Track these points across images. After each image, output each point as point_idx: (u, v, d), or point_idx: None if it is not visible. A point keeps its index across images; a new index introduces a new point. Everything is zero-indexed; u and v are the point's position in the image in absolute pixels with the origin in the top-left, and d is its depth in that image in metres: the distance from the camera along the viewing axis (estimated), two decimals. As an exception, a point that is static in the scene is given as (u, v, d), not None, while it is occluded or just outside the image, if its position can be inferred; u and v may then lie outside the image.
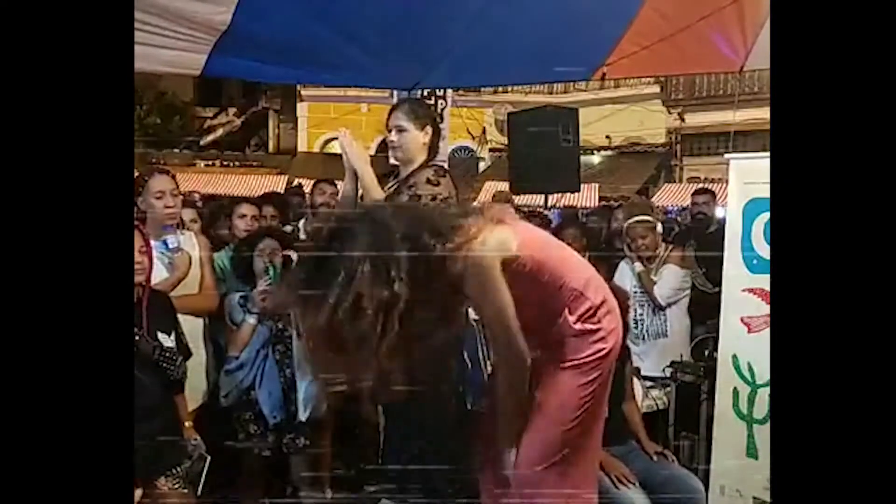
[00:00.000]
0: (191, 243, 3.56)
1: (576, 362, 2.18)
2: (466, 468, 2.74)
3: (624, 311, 3.54)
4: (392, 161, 3.37)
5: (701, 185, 7.50)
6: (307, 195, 6.92)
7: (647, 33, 4.56)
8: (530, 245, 2.18)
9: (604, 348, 2.19)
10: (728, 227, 3.55)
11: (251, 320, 3.57)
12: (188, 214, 4.12)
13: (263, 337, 3.59)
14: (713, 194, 6.43)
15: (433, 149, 3.32)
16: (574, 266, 2.27)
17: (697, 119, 18.11)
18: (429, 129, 3.28)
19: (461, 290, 2.03)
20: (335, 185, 4.96)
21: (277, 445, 3.57)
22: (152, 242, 3.20)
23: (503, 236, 2.12)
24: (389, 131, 3.28)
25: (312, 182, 5.35)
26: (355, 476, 3.59)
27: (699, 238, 5.43)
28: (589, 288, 2.22)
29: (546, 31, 4.41)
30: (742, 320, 3.43)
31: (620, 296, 2.88)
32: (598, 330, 2.20)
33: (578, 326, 2.18)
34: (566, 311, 2.19)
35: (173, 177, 3.59)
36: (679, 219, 9.96)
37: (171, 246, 3.41)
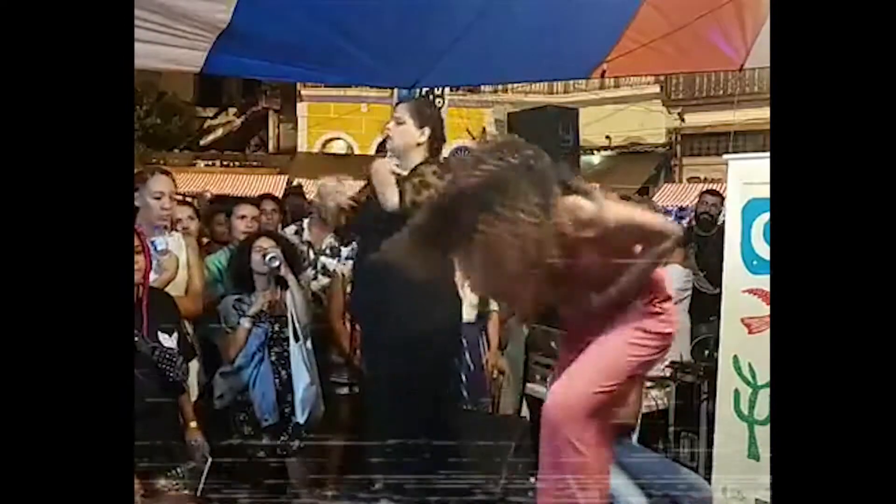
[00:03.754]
0: (179, 245, 3.55)
1: (639, 330, 2.44)
2: (464, 469, 2.75)
3: None
4: (389, 155, 3.39)
5: (710, 187, 7.43)
6: (308, 196, 6.90)
7: (646, 31, 4.55)
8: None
9: (663, 328, 2.47)
10: (728, 227, 3.54)
11: (246, 324, 3.58)
12: (185, 212, 4.10)
13: (259, 340, 3.59)
14: (722, 198, 6.30)
15: (432, 152, 3.31)
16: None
17: (697, 119, 18.08)
18: (427, 130, 3.27)
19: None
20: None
21: (272, 447, 3.57)
22: None
23: None
24: (391, 121, 3.32)
25: (316, 182, 5.31)
26: (354, 477, 3.59)
27: (699, 239, 5.43)
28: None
29: (546, 30, 4.40)
30: (743, 321, 3.43)
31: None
32: (663, 313, 2.47)
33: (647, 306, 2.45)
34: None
35: (173, 179, 3.58)
36: (681, 219, 9.91)
37: (159, 248, 3.40)
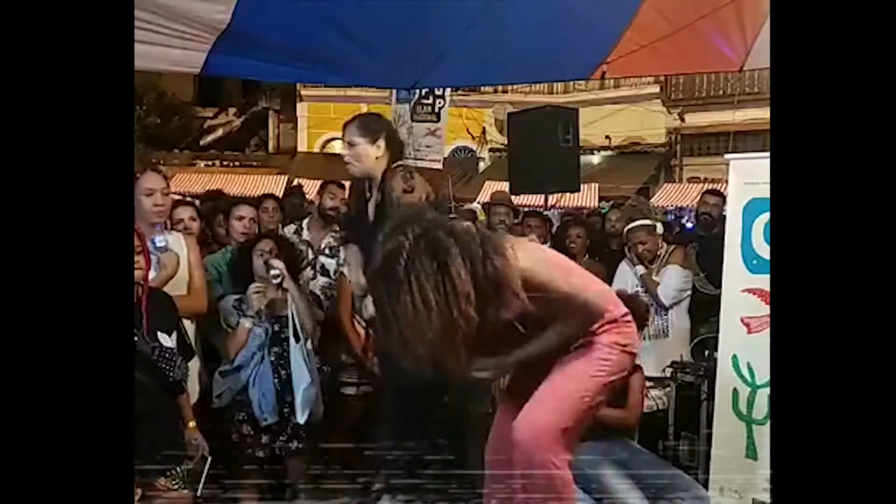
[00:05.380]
0: (179, 244, 3.55)
1: (600, 343, 2.48)
2: (466, 468, 2.75)
3: (643, 321, 3.61)
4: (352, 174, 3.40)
5: (711, 187, 7.42)
6: (308, 196, 6.90)
7: (646, 32, 4.56)
8: (556, 260, 2.56)
9: (618, 340, 2.49)
10: (728, 227, 3.55)
11: (246, 323, 3.58)
12: (186, 213, 4.10)
13: (259, 339, 3.59)
14: (723, 198, 6.25)
15: (393, 158, 3.31)
16: (599, 286, 2.62)
17: (697, 119, 18.10)
18: (381, 143, 3.28)
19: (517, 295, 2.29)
20: (344, 188, 4.95)
21: (271, 447, 3.57)
22: None
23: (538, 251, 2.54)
24: (346, 145, 3.34)
25: (319, 183, 5.32)
26: (354, 476, 3.59)
27: (700, 240, 5.42)
28: (612, 303, 2.54)
29: (546, 31, 4.41)
30: (742, 321, 3.43)
31: (640, 306, 3.43)
32: (617, 329, 2.51)
33: (601, 328, 2.49)
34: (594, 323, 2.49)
35: (165, 176, 3.59)
36: (681, 219, 9.91)
37: (158, 244, 3.39)
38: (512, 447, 2.46)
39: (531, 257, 2.41)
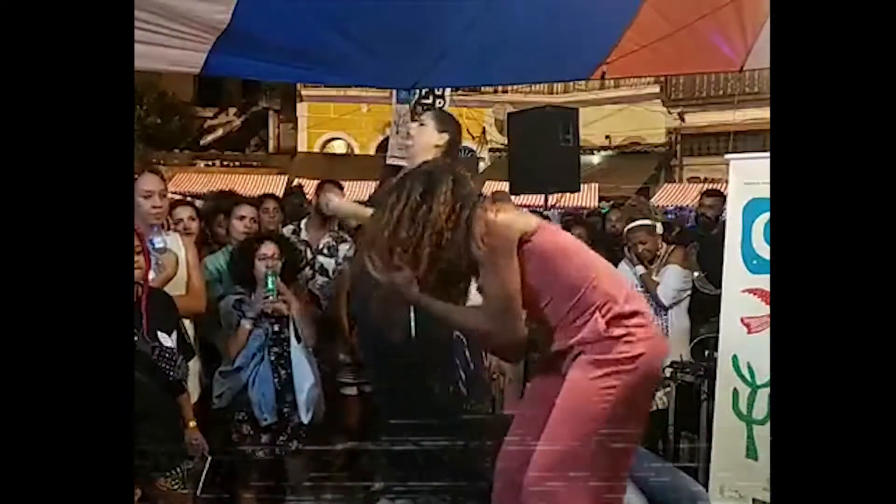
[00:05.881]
0: (177, 244, 3.56)
1: (601, 363, 2.18)
2: (465, 468, 2.75)
3: None
4: (396, 155, 3.41)
5: (711, 187, 7.42)
6: (308, 195, 6.90)
7: (647, 32, 4.56)
8: (548, 231, 2.36)
9: (628, 351, 2.18)
10: (728, 227, 3.55)
11: (247, 324, 3.58)
12: (186, 213, 4.10)
13: (259, 340, 3.59)
14: (724, 198, 6.19)
15: (446, 157, 3.32)
16: (608, 271, 2.38)
17: (697, 119, 18.12)
18: (446, 136, 3.29)
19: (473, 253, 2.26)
20: (342, 188, 4.96)
21: (271, 447, 3.57)
22: None
23: (525, 217, 2.37)
24: (412, 121, 3.34)
25: (316, 182, 5.32)
26: (354, 477, 3.59)
27: (701, 240, 5.42)
28: (622, 295, 2.26)
29: (546, 31, 4.42)
30: (742, 321, 3.43)
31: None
32: (626, 335, 2.20)
33: (608, 329, 2.20)
34: (597, 312, 2.21)
35: (163, 177, 3.59)
36: (681, 219, 9.90)
37: (157, 246, 3.40)
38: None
39: (511, 226, 2.26)
